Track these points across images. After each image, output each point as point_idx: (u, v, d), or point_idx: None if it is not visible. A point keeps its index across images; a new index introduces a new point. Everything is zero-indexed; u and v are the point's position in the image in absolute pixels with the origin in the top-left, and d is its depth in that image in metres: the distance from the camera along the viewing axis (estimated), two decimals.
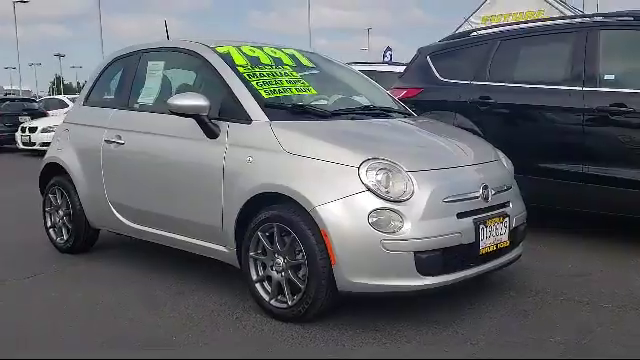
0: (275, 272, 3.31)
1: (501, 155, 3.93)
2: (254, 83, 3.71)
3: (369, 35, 65.41)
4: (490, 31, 5.81)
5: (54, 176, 4.89)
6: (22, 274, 4.30)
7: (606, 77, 4.79)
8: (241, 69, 3.79)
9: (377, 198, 3.04)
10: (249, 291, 3.46)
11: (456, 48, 5.88)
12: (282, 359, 2.91)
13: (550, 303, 3.54)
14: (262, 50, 4.12)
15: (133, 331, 3.26)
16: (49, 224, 4.95)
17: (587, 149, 4.75)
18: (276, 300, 3.32)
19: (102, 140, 4.38)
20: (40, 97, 29.21)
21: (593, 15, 6.05)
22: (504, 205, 3.49)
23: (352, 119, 3.80)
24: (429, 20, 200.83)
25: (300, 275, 3.21)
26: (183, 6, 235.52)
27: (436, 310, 3.39)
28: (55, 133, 5.15)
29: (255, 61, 3.95)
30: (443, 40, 6.27)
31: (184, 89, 4.11)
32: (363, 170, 3.10)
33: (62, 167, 4.77)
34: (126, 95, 4.45)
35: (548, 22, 5.59)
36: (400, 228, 3.00)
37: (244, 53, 3.99)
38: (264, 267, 3.39)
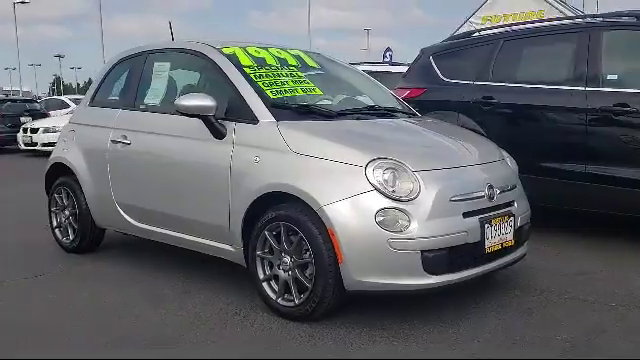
0: (282, 271, 3.34)
1: (505, 155, 3.96)
2: (260, 83, 3.73)
3: (368, 35, 65.45)
4: (493, 31, 5.83)
5: (60, 176, 4.92)
6: (28, 274, 4.32)
7: (609, 77, 4.82)
8: (247, 70, 3.81)
9: (384, 197, 3.07)
10: (256, 290, 3.49)
11: (459, 48, 5.90)
12: (291, 359, 2.93)
13: (555, 302, 3.57)
14: (267, 51, 4.15)
15: (140, 330, 3.28)
16: (55, 224, 4.97)
17: (590, 149, 4.78)
18: (283, 299, 3.34)
19: (108, 140, 4.40)
20: (40, 98, 29.17)
21: (594, 16, 6.08)
22: (509, 204, 3.51)
23: (358, 119, 3.82)
24: (429, 20, 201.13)
25: (307, 274, 3.23)
26: (183, 6, 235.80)
27: (442, 309, 3.42)
28: (61, 133, 5.17)
29: (261, 62, 3.97)
30: (446, 40, 6.30)
31: (190, 89, 4.14)
32: (370, 170, 3.12)
33: (68, 167, 4.79)
34: (132, 96, 4.48)
35: (551, 23, 5.61)
36: (407, 227, 3.03)
37: (250, 54, 4.01)
38: (271, 266, 3.41)
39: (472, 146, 3.71)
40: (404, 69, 7.25)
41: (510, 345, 2.99)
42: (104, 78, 4.88)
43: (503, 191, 3.49)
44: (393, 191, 3.08)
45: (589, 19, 5.55)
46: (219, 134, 3.64)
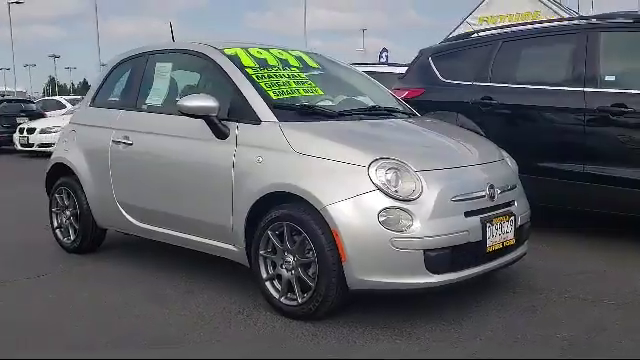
0: (285, 270, 3.36)
1: (505, 155, 3.99)
2: (262, 84, 3.76)
3: (364, 36, 65.51)
4: (492, 32, 5.87)
5: (61, 177, 4.93)
6: (29, 274, 4.33)
7: (607, 78, 4.86)
8: (249, 71, 3.84)
9: (387, 197, 3.09)
10: (259, 289, 3.51)
11: (458, 49, 5.94)
12: (295, 359, 2.95)
13: (555, 301, 3.60)
14: (269, 52, 4.17)
15: (141, 329, 3.29)
16: (56, 224, 4.98)
17: (588, 149, 4.82)
18: (286, 298, 3.37)
19: (110, 141, 4.42)
20: (34, 98, 29.08)
21: (589, 17, 6.13)
22: (509, 204, 3.55)
23: (359, 119, 3.84)
24: (424, 21, 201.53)
25: (310, 273, 3.26)
26: (178, 6, 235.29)
27: (444, 308, 3.44)
28: (61, 134, 5.18)
29: (263, 63, 4.00)
30: (444, 41, 6.33)
31: (192, 90, 4.16)
32: (372, 170, 3.15)
33: (69, 168, 4.80)
34: (134, 96, 4.49)
35: (549, 24, 5.65)
36: (410, 227, 3.06)
37: (252, 55, 4.03)
38: (274, 265, 3.44)
39: (472, 146, 3.75)
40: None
41: (511, 343, 3.02)
42: (105, 79, 4.89)
43: (504, 191, 3.52)
44: (396, 191, 3.11)
45: (584, 20, 5.58)
46: (222, 134, 3.66)
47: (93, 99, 4.94)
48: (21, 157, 14.81)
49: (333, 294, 3.18)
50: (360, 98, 4.42)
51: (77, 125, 4.93)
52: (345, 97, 4.30)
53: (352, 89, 4.53)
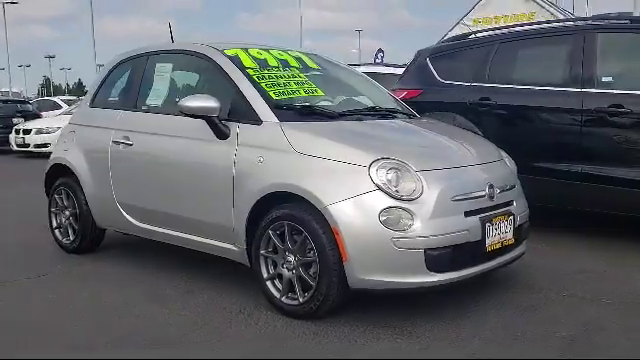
0: (286, 270, 3.38)
1: (504, 155, 4.02)
2: (263, 85, 3.77)
3: (360, 37, 65.55)
4: (489, 33, 5.90)
5: (60, 177, 4.93)
6: (28, 274, 4.33)
7: (604, 79, 4.90)
8: (250, 71, 3.85)
9: (387, 197, 3.11)
10: (260, 289, 3.52)
11: (455, 50, 5.96)
12: (295, 359, 2.96)
13: (554, 300, 3.63)
14: (269, 52, 4.19)
15: (141, 329, 3.29)
16: (55, 225, 4.99)
17: (586, 149, 4.85)
18: (287, 297, 3.38)
19: (110, 141, 4.42)
20: (29, 99, 29.01)
21: (584, 18, 6.17)
22: (509, 204, 3.57)
23: (359, 120, 3.86)
24: (417, 22, 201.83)
25: (311, 272, 3.27)
26: (168, 6, 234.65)
27: (443, 307, 3.47)
28: (61, 134, 5.18)
29: (263, 63, 4.01)
30: (442, 42, 6.35)
31: (192, 91, 4.17)
32: (373, 170, 3.17)
33: (68, 168, 4.80)
34: (134, 97, 4.50)
35: (547, 25, 5.69)
36: (410, 226, 3.08)
37: (252, 56, 4.05)
38: (275, 265, 3.45)
39: (472, 146, 3.77)
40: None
41: (511, 342, 3.04)
42: (105, 79, 4.90)
43: (503, 190, 3.55)
44: (396, 191, 3.13)
45: (581, 22, 5.62)
46: (223, 135, 3.67)
47: (93, 99, 4.94)
48: (17, 158, 14.79)
49: (334, 293, 3.20)
50: (359, 99, 4.44)
51: (76, 125, 4.93)
52: (345, 98, 4.32)
53: (351, 90, 4.55)
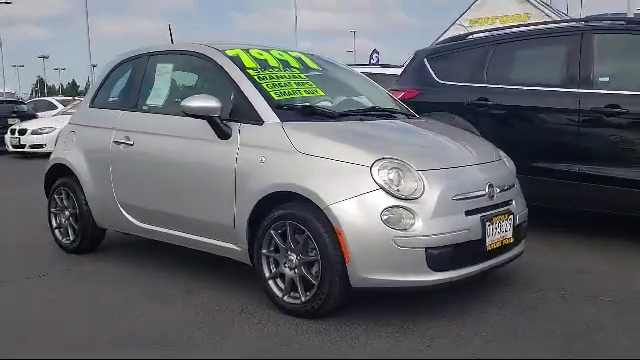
0: (288, 269, 3.40)
1: (503, 155, 4.05)
2: (264, 85, 3.79)
3: (355, 37, 65.54)
4: (487, 34, 5.93)
5: (60, 177, 4.93)
6: (28, 274, 4.33)
7: (600, 79, 4.94)
8: (251, 72, 3.87)
9: (389, 196, 3.14)
10: (262, 288, 3.54)
11: (453, 50, 5.99)
12: (296, 359, 2.97)
13: (553, 299, 3.65)
14: (269, 53, 4.21)
15: (142, 329, 3.30)
16: (55, 225, 4.99)
17: (583, 149, 4.89)
18: (289, 296, 3.40)
19: (110, 141, 4.43)
20: (23, 99, 28.90)
21: (579, 19, 6.22)
22: (508, 203, 3.61)
23: (360, 120, 3.88)
24: (412, 23, 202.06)
25: (313, 272, 3.30)
26: (164, 6, 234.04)
27: (444, 305, 3.49)
28: (60, 134, 5.18)
29: (264, 64, 4.03)
30: (438, 42, 6.39)
31: (193, 91, 4.18)
32: (375, 169, 3.19)
33: (68, 168, 4.81)
34: (135, 97, 4.51)
35: (544, 26, 5.72)
36: (412, 225, 3.10)
37: (252, 56, 4.07)
38: (277, 264, 3.47)
39: (471, 146, 3.80)
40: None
41: (512, 341, 3.07)
42: (104, 80, 4.90)
43: (502, 190, 3.58)
44: (398, 190, 3.16)
45: (576, 23, 5.66)
46: (224, 135, 3.69)
47: (92, 100, 4.95)
48: (13, 158, 14.74)
49: (336, 292, 3.22)
50: (359, 99, 4.47)
51: (76, 126, 4.94)
52: (345, 98, 4.35)
53: (351, 90, 4.58)
